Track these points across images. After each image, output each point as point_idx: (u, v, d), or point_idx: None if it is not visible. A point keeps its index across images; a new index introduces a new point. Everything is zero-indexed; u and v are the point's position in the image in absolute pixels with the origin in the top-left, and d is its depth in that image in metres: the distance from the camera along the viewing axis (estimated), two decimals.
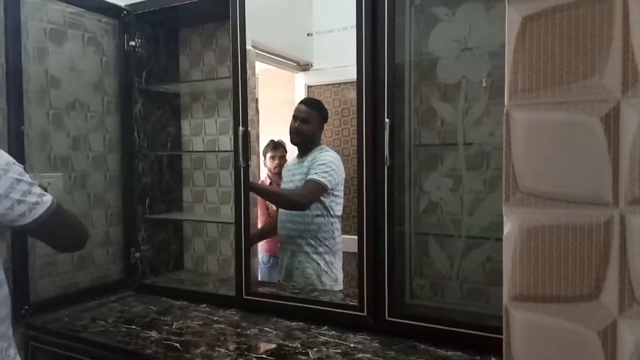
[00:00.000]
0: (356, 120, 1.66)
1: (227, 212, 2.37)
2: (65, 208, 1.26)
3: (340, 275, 2.32)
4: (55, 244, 1.31)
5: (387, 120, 1.60)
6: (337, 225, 2.27)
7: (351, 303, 1.76)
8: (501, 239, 1.62)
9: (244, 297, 1.93)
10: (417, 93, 1.77)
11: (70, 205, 1.99)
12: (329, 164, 2.16)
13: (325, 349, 1.56)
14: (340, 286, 2.32)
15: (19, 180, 1.12)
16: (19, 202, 1.12)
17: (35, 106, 1.88)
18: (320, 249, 2.23)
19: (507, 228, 0.44)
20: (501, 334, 1.46)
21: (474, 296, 1.72)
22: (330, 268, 2.26)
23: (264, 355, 1.53)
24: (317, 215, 2.21)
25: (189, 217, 2.42)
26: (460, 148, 1.68)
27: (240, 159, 1.85)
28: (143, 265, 2.28)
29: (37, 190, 1.17)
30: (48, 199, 1.19)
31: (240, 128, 1.85)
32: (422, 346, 1.58)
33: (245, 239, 1.90)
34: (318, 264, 2.23)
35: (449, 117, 1.75)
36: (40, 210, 1.15)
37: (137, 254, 2.25)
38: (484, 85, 1.67)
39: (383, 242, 1.63)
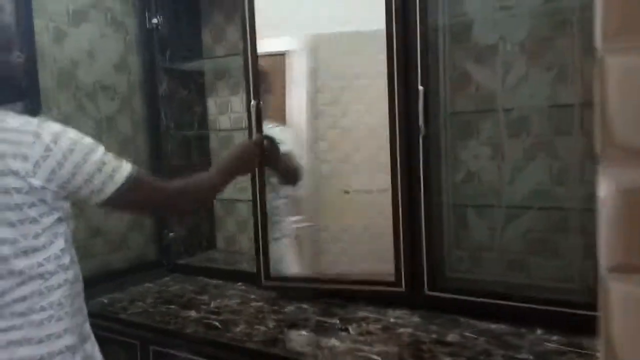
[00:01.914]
0: (387, 88, 1.58)
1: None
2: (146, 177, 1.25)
3: None
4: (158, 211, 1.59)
5: (420, 87, 1.53)
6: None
7: (388, 280, 1.72)
8: (544, 208, 1.56)
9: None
10: (451, 57, 1.68)
11: None
12: None
13: (365, 325, 1.54)
14: None
15: (72, 151, 1.05)
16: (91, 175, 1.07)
17: (59, 89, 1.86)
18: None
19: (602, 191, 0.38)
20: (544, 305, 1.43)
21: (516, 267, 1.66)
22: None
23: (303, 332, 1.52)
24: None
25: (220, 195, 2.40)
26: (500, 114, 1.61)
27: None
28: (177, 246, 2.28)
29: (109, 157, 1.12)
30: (127, 166, 1.14)
31: (252, 102, 1.78)
32: (464, 320, 1.54)
33: (262, 217, 1.84)
34: None
35: (485, 82, 1.67)
36: (120, 179, 1.11)
37: (171, 234, 2.25)
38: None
39: (420, 215, 1.58)
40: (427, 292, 1.60)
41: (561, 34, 1.51)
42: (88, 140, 1.10)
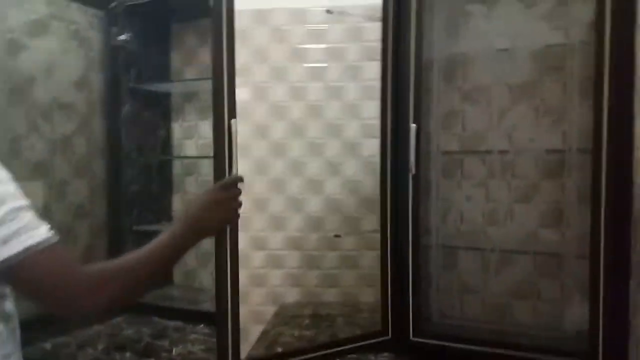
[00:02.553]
0: (380, 125, 1.52)
1: None
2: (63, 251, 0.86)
3: None
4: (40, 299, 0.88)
5: (412, 125, 1.48)
6: None
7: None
8: (540, 253, 1.53)
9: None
10: (441, 96, 1.65)
11: (48, 215, 1.80)
12: None
13: None
14: None
15: None
16: None
17: (9, 107, 1.67)
18: None
19: None
20: (535, 353, 1.38)
21: (505, 313, 1.61)
22: None
23: None
24: None
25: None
26: (492, 155, 1.58)
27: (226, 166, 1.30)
28: None
29: (29, 215, 0.82)
30: (44, 230, 0.82)
31: (227, 122, 1.30)
32: None
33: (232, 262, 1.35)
34: None
35: (476, 123, 1.64)
36: (27, 242, 0.79)
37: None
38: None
39: (407, 258, 1.51)
40: (412, 338, 1.51)
41: (556, 78, 1.51)
42: (8, 187, 0.83)
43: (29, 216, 0.81)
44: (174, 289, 2.27)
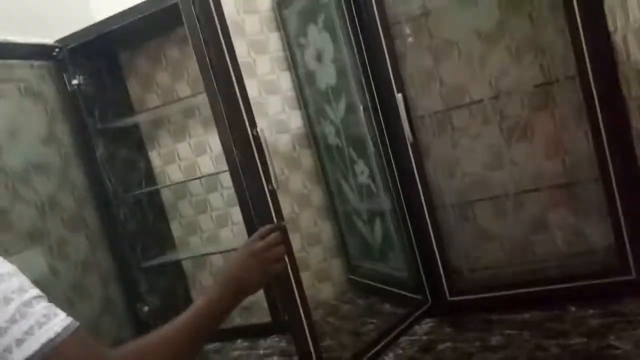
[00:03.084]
0: (368, 101, 1.51)
1: (228, 236, 2.18)
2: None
3: None
4: None
5: (398, 95, 1.47)
6: None
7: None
8: (548, 187, 1.56)
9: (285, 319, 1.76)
10: (412, 58, 1.64)
11: (55, 279, 1.74)
12: None
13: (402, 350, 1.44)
14: None
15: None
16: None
17: None
18: None
19: None
20: (571, 281, 1.42)
21: (527, 252, 1.65)
22: None
23: None
24: None
25: (187, 252, 2.20)
26: (479, 105, 1.59)
27: (262, 178, 1.18)
28: (154, 319, 2.05)
29: (40, 307, 0.70)
30: (60, 320, 0.71)
31: (249, 130, 1.17)
32: (495, 317, 1.49)
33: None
34: None
35: (450, 76, 1.64)
36: (43, 337, 0.68)
37: (146, 308, 2.01)
38: None
39: (425, 221, 1.52)
40: (449, 298, 1.54)
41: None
42: (11, 283, 0.73)
43: (40, 308, 0.71)
44: None
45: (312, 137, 2.11)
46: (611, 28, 1.23)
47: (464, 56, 1.62)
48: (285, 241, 1.12)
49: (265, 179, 1.17)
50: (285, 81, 2.09)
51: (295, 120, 2.11)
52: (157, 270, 2.12)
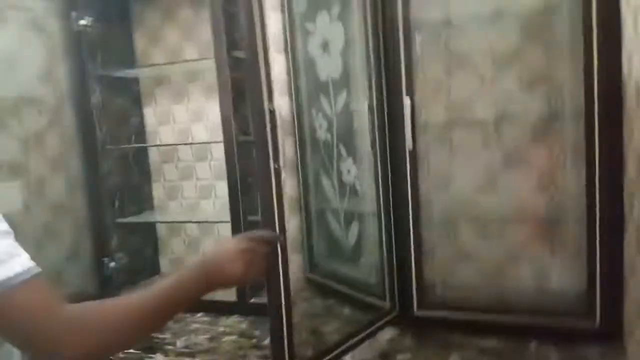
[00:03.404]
0: (374, 100, 1.50)
1: (208, 208, 2.16)
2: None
3: None
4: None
5: (406, 98, 1.46)
6: None
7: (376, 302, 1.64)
8: (539, 220, 1.56)
9: (250, 301, 1.76)
10: (425, 65, 1.63)
11: (27, 217, 1.71)
12: None
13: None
14: None
15: None
16: None
17: None
18: None
19: None
20: (537, 317, 1.42)
21: (501, 279, 1.65)
22: None
23: None
24: None
25: (165, 216, 2.18)
26: (481, 124, 1.58)
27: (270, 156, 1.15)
28: (118, 276, 2.03)
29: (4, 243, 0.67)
30: (21, 261, 0.67)
31: (266, 104, 1.14)
32: (458, 338, 1.49)
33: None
34: None
35: (462, 91, 1.64)
36: (12, 269, 0.65)
37: (112, 264, 1.99)
38: None
39: (409, 231, 1.52)
40: (417, 311, 1.55)
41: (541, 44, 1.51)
42: None
43: (4, 245, 0.66)
44: (161, 278, 2.23)
45: (298, 126, 2.05)
46: (625, 73, 1.23)
47: (475, 74, 1.61)
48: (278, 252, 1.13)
49: (273, 156, 1.14)
50: (279, 64, 2.02)
51: (283, 107, 2.08)
52: (131, 228, 2.09)
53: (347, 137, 1.81)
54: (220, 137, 1.77)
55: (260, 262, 1.00)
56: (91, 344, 0.71)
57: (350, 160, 1.81)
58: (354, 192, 1.83)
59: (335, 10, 1.79)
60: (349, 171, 1.82)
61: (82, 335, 0.70)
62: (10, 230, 0.69)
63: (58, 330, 0.69)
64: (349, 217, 1.87)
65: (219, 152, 2.03)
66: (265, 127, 1.13)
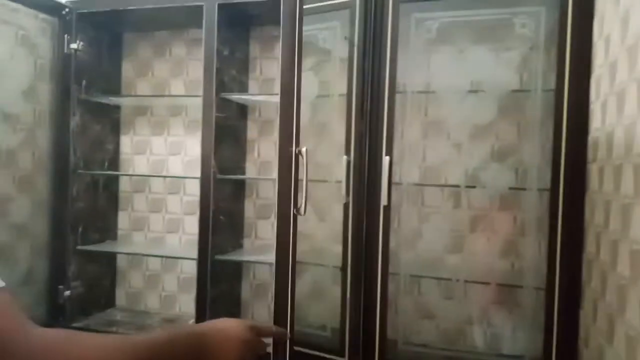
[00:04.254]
0: (352, 155, 1.56)
1: (174, 244, 2.12)
2: None
3: None
4: None
5: (386, 157, 1.53)
6: None
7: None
8: (502, 284, 1.62)
9: None
10: (405, 128, 1.72)
11: None
12: None
13: None
14: None
15: None
16: None
17: None
18: None
19: None
20: None
21: (460, 340, 1.69)
22: None
23: None
24: None
25: (127, 248, 2.12)
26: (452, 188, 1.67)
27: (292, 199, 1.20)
28: (72, 305, 1.95)
29: None
30: None
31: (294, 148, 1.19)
32: None
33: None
34: None
35: (434, 155, 1.73)
36: None
37: (67, 293, 1.91)
38: None
39: (376, 286, 1.55)
40: None
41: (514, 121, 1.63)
42: None
43: None
44: (116, 311, 2.16)
45: None
46: (590, 158, 1.34)
47: (451, 141, 1.71)
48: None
49: (294, 201, 1.19)
50: None
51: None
52: (91, 256, 2.03)
53: None
54: (197, 173, 1.77)
55: (256, 352, 0.88)
56: None
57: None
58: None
59: (320, 70, 1.83)
60: None
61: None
62: None
63: (28, 352, 0.62)
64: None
65: (192, 187, 2.04)
66: (291, 169, 1.18)
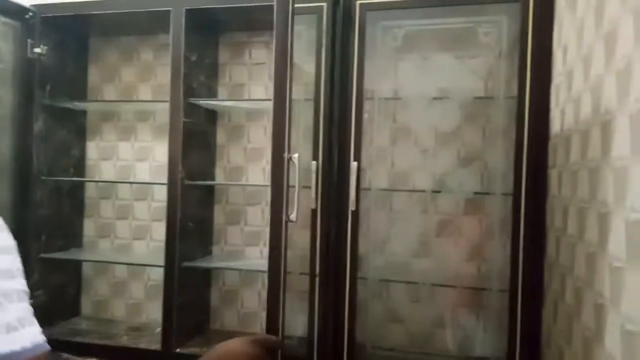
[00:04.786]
0: (320, 162, 1.56)
1: (141, 251, 2.09)
2: None
3: None
4: None
5: (354, 163, 1.54)
6: None
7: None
8: (468, 287, 1.65)
9: (175, 351, 1.69)
10: (374, 134, 1.74)
11: None
12: None
13: None
14: None
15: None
16: None
17: None
18: None
19: None
20: None
21: (428, 342, 1.71)
22: None
23: None
24: None
25: (93, 255, 2.08)
26: (419, 193, 1.69)
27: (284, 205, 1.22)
28: (35, 315, 1.89)
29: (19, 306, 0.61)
30: (32, 334, 0.61)
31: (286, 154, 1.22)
32: None
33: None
34: None
35: (402, 160, 1.75)
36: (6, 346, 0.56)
37: (30, 302, 1.85)
38: None
39: (344, 290, 1.55)
40: None
41: (478, 126, 1.66)
42: (9, 258, 0.63)
43: (19, 308, 0.60)
44: (81, 320, 2.11)
45: None
46: (550, 164, 1.38)
47: (418, 147, 1.74)
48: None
49: (286, 207, 1.20)
50: None
51: None
52: (55, 264, 1.98)
53: None
54: (165, 179, 1.75)
55: None
56: None
57: None
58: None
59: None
60: None
61: None
62: (27, 290, 0.63)
63: None
64: None
65: (160, 193, 2.01)
66: (283, 175, 1.20)
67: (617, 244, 0.84)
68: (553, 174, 1.35)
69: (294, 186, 1.27)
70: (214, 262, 1.94)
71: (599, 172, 0.94)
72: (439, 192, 1.70)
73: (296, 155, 1.23)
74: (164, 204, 1.77)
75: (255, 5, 1.64)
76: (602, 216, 0.92)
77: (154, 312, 2.05)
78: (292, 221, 1.24)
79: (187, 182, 1.77)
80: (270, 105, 1.91)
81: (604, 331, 0.89)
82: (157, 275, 1.97)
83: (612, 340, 0.85)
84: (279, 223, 1.21)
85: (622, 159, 0.82)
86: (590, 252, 0.98)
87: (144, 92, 2.07)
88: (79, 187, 2.13)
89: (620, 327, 0.81)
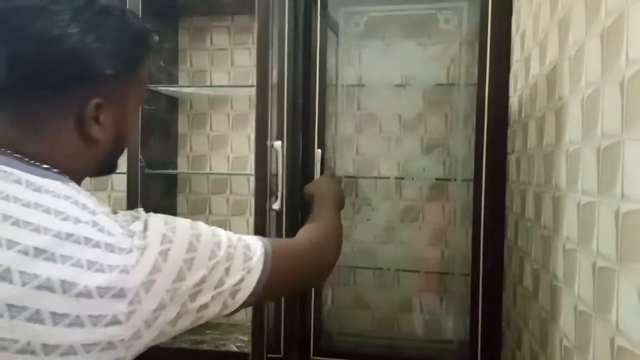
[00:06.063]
0: (285, 149, 1.55)
1: None
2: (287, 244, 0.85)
3: None
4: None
5: (318, 150, 1.53)
6: None
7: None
8: (433, 272, 1.67)
9: None
10: (338, 122, 1.73)
11: None
12: None
13: None
14: None
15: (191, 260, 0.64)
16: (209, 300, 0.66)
17: None
18: None
19: None
20: None
21: (394, 327, 1.73)
22: None
23: None
24: None
25: None
26: (383, 180, 1.70)
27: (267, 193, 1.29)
28: None
29: (237, 253, 0.70)
30: (257, 256, 0.72)
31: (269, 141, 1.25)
32: None
33: None
34: None
35: (367, 148, 1.75)
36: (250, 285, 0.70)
37: None
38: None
39: None
40: (313, 357, 1.57)
41: (440, 112, 1.67)
42: (195, 227, 0.71)
43: (238, 243, 0.73)
44: None
45: None
46: (509, 151, 1.41)
47: (382, 134, 1.74)
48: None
49: (269, 195, 1.23)
50: None
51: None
52: None
53: None
54: (124, 168, 1.71)
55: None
56: (336, 249, 0.99)
57: None
58: None
59: None
60: None
61: (330, 248, 0.96)
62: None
63: (317, 257, 0.89)
64: None
65: (120, 183, 1.95)
66: (266, 163, 1.22)
67: (570, 226, 0.86)
68: (512, 160, 1.37)
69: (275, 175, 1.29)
70: None
71: (553, 157, 0.96)
72: (402, 178, 1.71)
73: (278, 142, 1.24)
74: (124, 194, 1.72)
75: None
76: (556, 200, 0.94)
77: None
78: (275, 210, 1.30)
79: (147, 171, 1.73)
80: (233, 92, 1.92)
81: (558, 312, 0.91)
82: None
83: (566, 321, 0.87)
84: (263, 213, 1.20)
85: (574, 144, 0.84)
86: (546, 235, 1.00)
87: None
88: None
89: (574, 308, 0.83)
